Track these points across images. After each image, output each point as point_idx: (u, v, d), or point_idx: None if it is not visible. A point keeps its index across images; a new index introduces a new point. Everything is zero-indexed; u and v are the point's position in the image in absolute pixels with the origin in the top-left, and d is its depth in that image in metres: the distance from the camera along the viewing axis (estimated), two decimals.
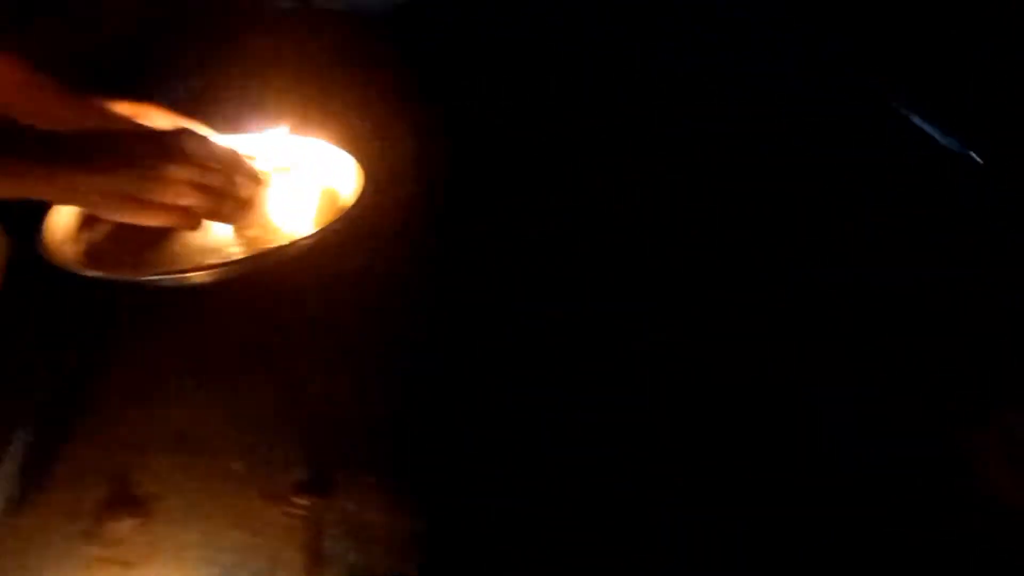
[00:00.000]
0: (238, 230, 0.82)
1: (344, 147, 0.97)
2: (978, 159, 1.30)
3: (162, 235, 0.82)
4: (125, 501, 0.87)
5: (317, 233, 0.81)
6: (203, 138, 0.77)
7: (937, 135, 1.36)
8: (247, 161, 0.82)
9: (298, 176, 0.92)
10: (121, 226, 0.81)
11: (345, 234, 0.83)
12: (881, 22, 1.76)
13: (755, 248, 1.67)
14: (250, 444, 0.93)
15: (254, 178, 0.81)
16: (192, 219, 0.76)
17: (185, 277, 0.78)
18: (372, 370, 1.04)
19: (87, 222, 0.84)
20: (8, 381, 1.01)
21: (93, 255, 0.81)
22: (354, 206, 0.85)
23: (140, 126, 0.91)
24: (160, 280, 0.78)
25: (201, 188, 0.75)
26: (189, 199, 0.74)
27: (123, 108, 0.92)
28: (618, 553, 0.98)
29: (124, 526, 0.85)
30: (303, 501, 0.86)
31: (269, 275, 0.84)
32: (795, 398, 1.24)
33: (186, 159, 0.73)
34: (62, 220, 0.82)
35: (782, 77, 1.93)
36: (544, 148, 1.93)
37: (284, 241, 0.81)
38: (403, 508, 0.86)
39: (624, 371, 1.30)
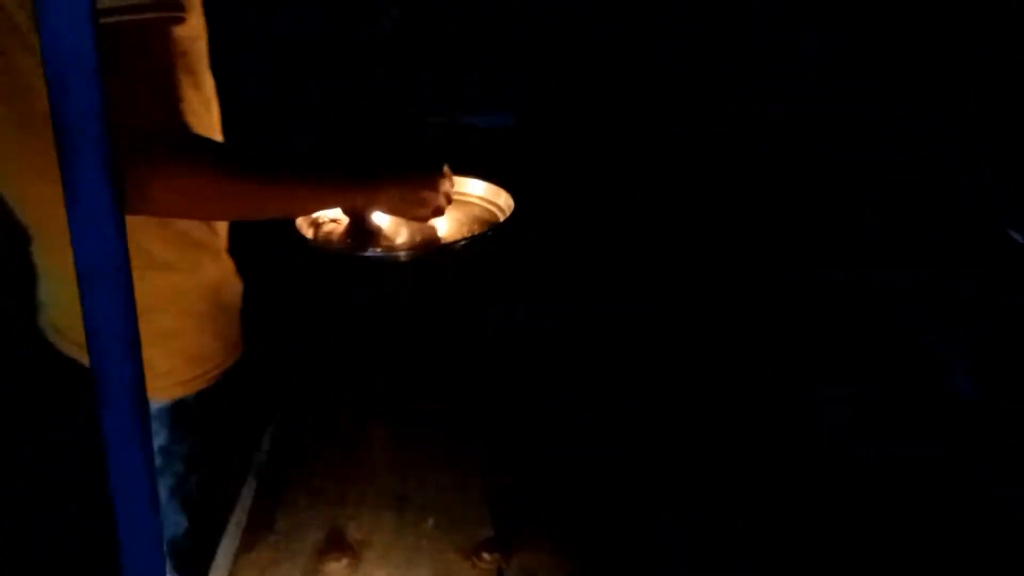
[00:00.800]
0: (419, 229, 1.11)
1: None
2: None
3: (367, 227, 1.10)
4: (339, 545, 0.99)
5: (479, 235, 1.11)
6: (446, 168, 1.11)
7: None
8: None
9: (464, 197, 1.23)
10: (336, 221, 1.13)
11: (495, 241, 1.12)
12: (881, 22, 1.76)
13: (755, 248, 1.67)
14: (442, 504, 1.06)
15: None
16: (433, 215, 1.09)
17: (394, 255, 1.09)
18: (548, 442, 1.19)
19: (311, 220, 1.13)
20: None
21: (325, 240, 1.11)
22: (504, 221, 1.15)
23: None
24: (377, 255, 1.07)
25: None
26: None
27: None
28: (618, 553, 0.98)
29: (339, 566, 0.96)
30: (489, 556, 0.97)
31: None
32: (795, 398, 1.24)
33: (447, 180, 1.08)
34: (305, 221, 1.12)
35: (782, 77, 1.93)
36: (543, 148, 1.94)
37: (454, 237, 1.12)
38: (573, 567, 0.97)
39: (624, 371, 1.30)
